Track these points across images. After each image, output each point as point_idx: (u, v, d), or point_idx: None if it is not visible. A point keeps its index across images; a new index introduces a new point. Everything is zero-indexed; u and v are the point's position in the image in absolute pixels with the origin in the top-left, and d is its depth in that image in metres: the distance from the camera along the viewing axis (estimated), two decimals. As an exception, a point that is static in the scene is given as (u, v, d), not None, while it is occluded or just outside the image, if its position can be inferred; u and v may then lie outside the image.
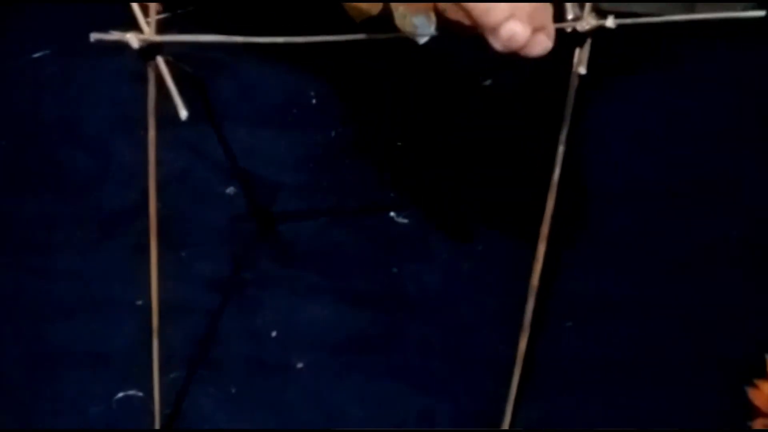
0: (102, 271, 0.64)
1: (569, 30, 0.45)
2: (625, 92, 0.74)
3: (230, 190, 0.68)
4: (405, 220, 0.67)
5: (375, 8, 0.75)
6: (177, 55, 0.63)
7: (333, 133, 0.70)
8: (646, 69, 0.75)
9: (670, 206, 0.69)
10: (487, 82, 0.73)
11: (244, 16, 0.73)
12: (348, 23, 0.74)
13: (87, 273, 0.63)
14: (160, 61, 0.44)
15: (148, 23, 0.43)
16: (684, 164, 0.71)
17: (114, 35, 0.44)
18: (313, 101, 0.72)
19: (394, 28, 0.74)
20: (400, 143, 0.70)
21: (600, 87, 0.72)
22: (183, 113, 0.42)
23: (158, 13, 0.45)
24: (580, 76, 0.46)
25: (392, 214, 0.68)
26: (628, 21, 0.45)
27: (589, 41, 0.45)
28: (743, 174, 0.71)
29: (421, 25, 0.75)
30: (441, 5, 0.76)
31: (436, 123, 0.72)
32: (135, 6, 0.46)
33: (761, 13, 0.45)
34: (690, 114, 0.74)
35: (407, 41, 0.74)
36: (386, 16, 0.75)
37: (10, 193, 0.67)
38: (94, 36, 0.46)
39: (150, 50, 0.43)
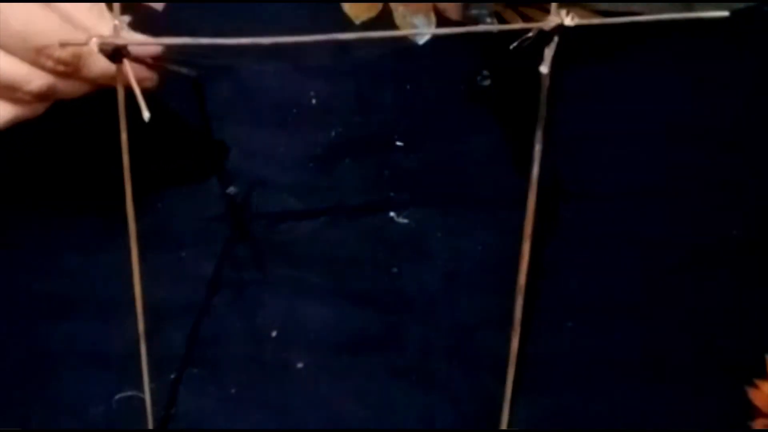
0: (102, 271, 0.64)
1: (533, 31, 0.45)
2: (622, 92, 0.74)
3: (230, 190, 0.68)
4: (405, 220, 0.67)
5: (374, 8, 0.75)
6: (177, 55, 0.63)
7: (333, 133, 0.70)
8: (644, 68, 0.75)
9: (670, 206, 0.69)
10: (486, 83, 0.73)
11: (242, 16, 0.73)
12: (348, 23, 0.74)
13: (87, 273, 0.64)
14: (126, 63, 0.44)
15: (115, 26, 0.43)
16: (684, 164, 0.71)
17: (78, 38, 0.44)
18: (313, 101, 0.72)
19: (394, 28, 0.74)
20: (400, 143, 0.71)
21: (596, 86, 0.72)
22: (146, 115, 0.42)
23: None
24: (549, 75, 0.47)
25: (392, 214, 0.68)
26: (589, 21, 0.45)
27: (555, 40, 0.45)
28: (743, 174, 0.71)
29: (421, 25, 0.75)
30: (441, 5, 0.76)
31: (436, 123, 0.72)
32: (103, 7, 0.47)
33: (725, 13, 0.45)
34: (690, 113, 0.74)
35: (407, 41, 0.74)
36: (386, 16, 0.75)
37: (10, 194, 0.67)
38: (60, 40, 0.46)
39: (117, 53, 0.43)
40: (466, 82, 0.73)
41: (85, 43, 0.42)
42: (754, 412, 0.60)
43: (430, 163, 0.70)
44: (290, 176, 0.69)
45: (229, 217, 0.67)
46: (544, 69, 0.45)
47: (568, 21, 0.44)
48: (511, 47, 0.57)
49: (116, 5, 0.42)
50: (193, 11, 0.73)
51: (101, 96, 0.60)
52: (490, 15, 0.76)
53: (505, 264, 0.66)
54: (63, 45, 0.49)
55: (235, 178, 0.68)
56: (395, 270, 0.65)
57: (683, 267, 0.66)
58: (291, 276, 0.65)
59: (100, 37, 0.42)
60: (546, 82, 0.47)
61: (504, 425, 0.57)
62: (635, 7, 0.74)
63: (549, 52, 0.45)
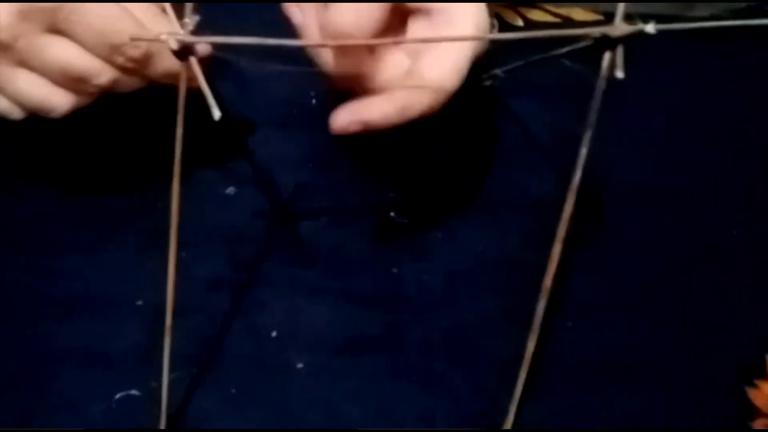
0: (102, 271, 0.64)
1: (598, 35, 0.44)
2: (624, 92, 0.74)
3: (230, 190, 0.68)
4: (405, 220, 0.67)
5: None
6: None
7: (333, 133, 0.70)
8: (647, 69, 0.75)
9: (670, 206, 0.69)
10: (488, 83, 0.73)
11: (242, 16, 0.73)
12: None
13: (87, 273, 0.63)
14: (193, 61, 0.44)
15: (183, 24, 0.43)
16: (684, 164, 0.71)
17: (150, 34, 0.44)
18: (313, 101, 0.72)
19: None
20: (400, 143, 0.71)
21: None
22: (216, 113, 0.42)
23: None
24: (614, 81, 0.45)
25: (392, 214, 0.68)
26: (668, 27, 0.44)
27: (621, 46, 0.44)
28: (743, 174, 0.71)
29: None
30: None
31: (436, 123, 0.72)
32: (168, 7, 0.47)
33: None
34: (690, 114, 0.74)
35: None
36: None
37: (10, 193, 0.67)
38: (132, 36, 0.46)
39: (184, 51, 0.44)
40: (467, 82, 0.73)
41: (159, 40, 0.43)
42: (754, 412, 0.60)
43: (430, 163, 0.70)
44: (290, 176, 0.69)
45: (229, 217, 0.67)
46: (619, 74, 0.44)
47: (650, 29, 0.42)
48: (564, 51, 0.56)
49: (189, 4, 0.43)
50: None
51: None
52: (492, 16, 0.76)
53: (505, 264, 0.66)
54: (135, 40, 0.51)
55: (235, 178, 0.68)
56: (395, 270, 0.65)
57: (684, 267, 0.66)
58: (291, 276, 0.65)
59: (172, 34, 0.43)
60: (602, 86, 0.46)
61: (509, 425, 0.57)
62: (638, 8, 0.74)
63: (618, 58, 0.44)
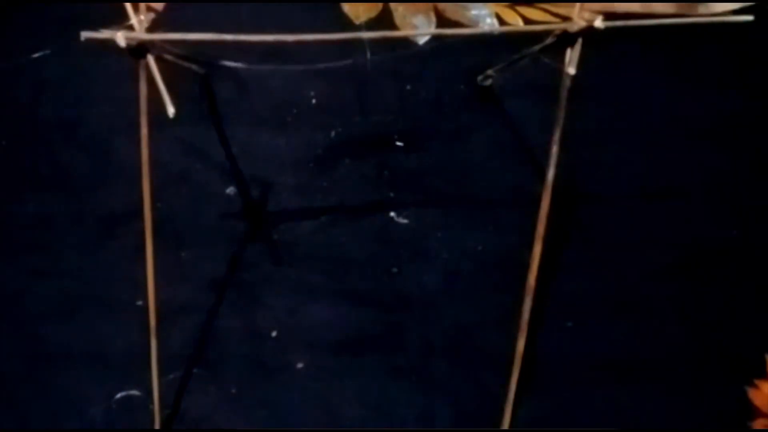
0: (102, 271, 0.64)
1: (558, 31, 0.45)
2: (623, 92, 0.74)
3: (230, 190, 0.68)
4: (405, 220, 0.67)
5: (374, 8, 0.75)
6: (179, 55, 0.63)
7: (333, 133, 0.70)
8: (646, 69, 0.75)
9: (670, 207, 0.69)
10: (487, 82, 0.73)
11: (243, 16, 0.73)
12: (348, 23, 0.74)
13: (87, 273, 0.64)
14: (150, 59, 0.44)
15: (138, 22, 0.43)
16: (684, 165, 0.71)
17: (104, 34, 0.44)
18: (313, 101, 0.72)
19: (394, 28, 0.74)
20: (400, 143, 0.71)
21: (598, 87, 0.72)
22: (170, 110, 0.42)
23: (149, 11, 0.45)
24: (573, 76, 0.46)
25: (392, 214, 0.68)
26: (618, 23, 0.45)
27: (579, 41, 0.45)
28: (743, 174, 0.71)
29: (421, 26, 0.75)
30: (441, 5, 0.76)
31: (436, 123, 0.72)
32: (127, 5, 0.47)
33: (749, 17, 0.45)
34: (690, 114, 0.74)
35: (407, 41, 0.74)
36: (386, 16, 0.75)
37: (10, 193, 0.67)
38: (84, 35, 0.46)
39: (140, 49, 0.43)
40: (466, 82, 0.73)
41: (111, 39, 0.42)
42: (754, 412, 0.60)
43: (430, 163, 0.70)
44: (290, 176, 0.69)
45: (229, 218, 0.67)
46: (571, 70, 0.45)
47: (598, 23, 0.43)
48: (537, 48, 0.56)
49: (142, 3, 0.43)
50: (193, 11, 0.73)
51: (103, 96, 0.60)
52: (490, 15, 0.76)
53: (504, 264, 0.66)
54: (88, 39, 0.50)
55: (235, 178, 0.68)
56: (395, 270, 0.65)
57: (684, 267, 0.66)
58: (291, 276, 0.65)
59: (125, 31, 0.42)
60: (567, 84, 0.47)
61: (506, 425, 0.57)
62: (635, 6, 0.74)
63: (575, 54, 0.45)
